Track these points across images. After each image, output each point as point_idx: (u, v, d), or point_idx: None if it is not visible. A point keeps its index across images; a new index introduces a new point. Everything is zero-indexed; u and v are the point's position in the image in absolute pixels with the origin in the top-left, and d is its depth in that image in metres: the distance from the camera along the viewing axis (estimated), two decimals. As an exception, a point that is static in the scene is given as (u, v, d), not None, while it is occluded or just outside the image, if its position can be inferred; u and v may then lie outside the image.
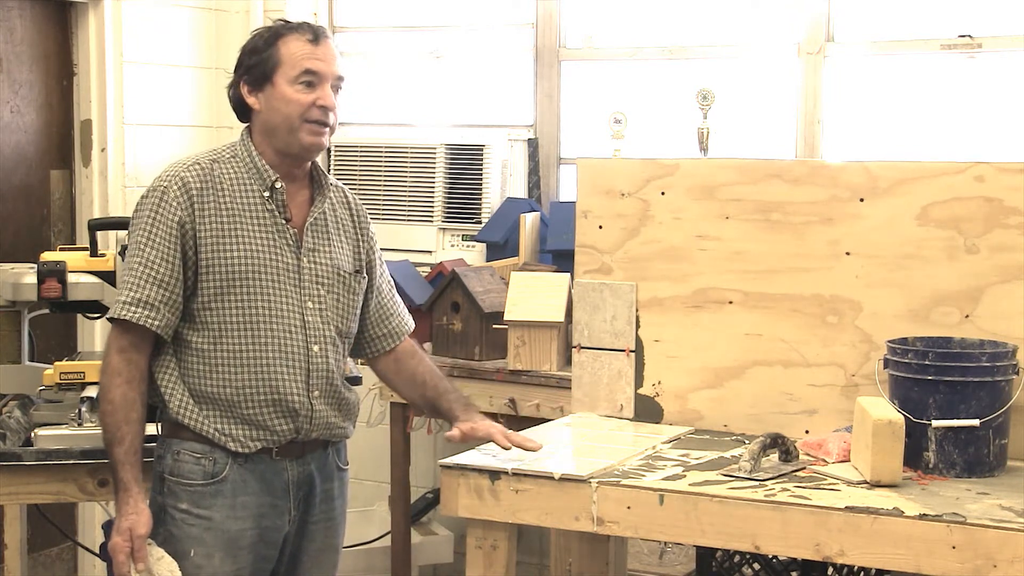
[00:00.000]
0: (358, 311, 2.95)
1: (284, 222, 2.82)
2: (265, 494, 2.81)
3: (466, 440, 2.91)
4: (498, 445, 2.85)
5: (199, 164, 2.80)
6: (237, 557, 2.79)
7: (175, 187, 2.75)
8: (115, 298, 2.75)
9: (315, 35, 2.79)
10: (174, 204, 2.74)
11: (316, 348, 2.83)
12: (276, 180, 2.81)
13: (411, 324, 3.11)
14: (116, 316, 2.72)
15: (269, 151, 2.82)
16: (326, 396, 2.85)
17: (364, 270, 2.96)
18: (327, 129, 2.80)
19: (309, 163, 2.88)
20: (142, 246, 2.74)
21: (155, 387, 2.78)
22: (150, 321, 2.72)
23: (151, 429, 2.80)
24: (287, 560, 2.90)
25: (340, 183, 3.00)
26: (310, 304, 2.83)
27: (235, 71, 2.85)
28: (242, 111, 2.87)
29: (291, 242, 2.82)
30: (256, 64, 2.80)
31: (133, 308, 2.71)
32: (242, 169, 2.81)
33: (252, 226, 2.78)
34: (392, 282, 3.10)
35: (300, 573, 2.93)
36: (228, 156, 2.83)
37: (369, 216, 3.04)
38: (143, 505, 2.72)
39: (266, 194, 2.80)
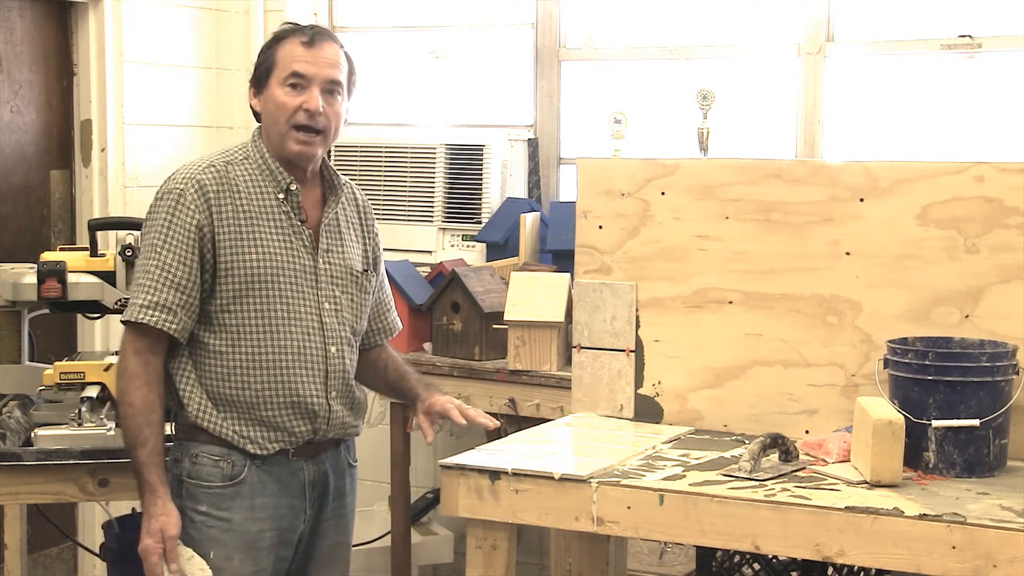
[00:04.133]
0: (368, 309, 2.96)
1: (300, 224, 2.81)
2: (283, 495, 2.82)
3: (429, 417, 2.92)
4: (453, 420, 2.88)
5: (214, 166, 2.78)
6: (257, 558, 2.79)
7: (192, 190, 2.73)
8: (131, 300, 2.73)
9: (311, 38, 2.77)
10: (191, 207, 2.72)
11: (333, 349, 2.83)
12: (291, 182, 2.80)
13: (400, 323, 3.12)
14: (133, 319, 2.70)
15: (274, 154, 2.82)
16: (342, 396, 2.86)
17: (372, 267, 2.97)
18: (316, 136, 2.77)
19: (318, 164, 2.87)
20: (158, 249, 2.72)
21: (172, 390, 2.77)
22: (168, 325, 2.70)
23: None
24: (300, 558, 2.90)
25: (348, 180, 2.99)
26: (327, 305, 2.83)
27: None
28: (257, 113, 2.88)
29: (307, 244, 2.82)
30: (258, 66, 2.82)
31: (150, 312, 2.70)
32: (255, 171, 2.80)
33: (269, 228, 2.78)
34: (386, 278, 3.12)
35: (312, 570, 2.93)
36: (241, 158, 2.82)
37: (374, 212, 3.05)
38: (171, 505, 2.72)
39: (280, 196, 2.80)
